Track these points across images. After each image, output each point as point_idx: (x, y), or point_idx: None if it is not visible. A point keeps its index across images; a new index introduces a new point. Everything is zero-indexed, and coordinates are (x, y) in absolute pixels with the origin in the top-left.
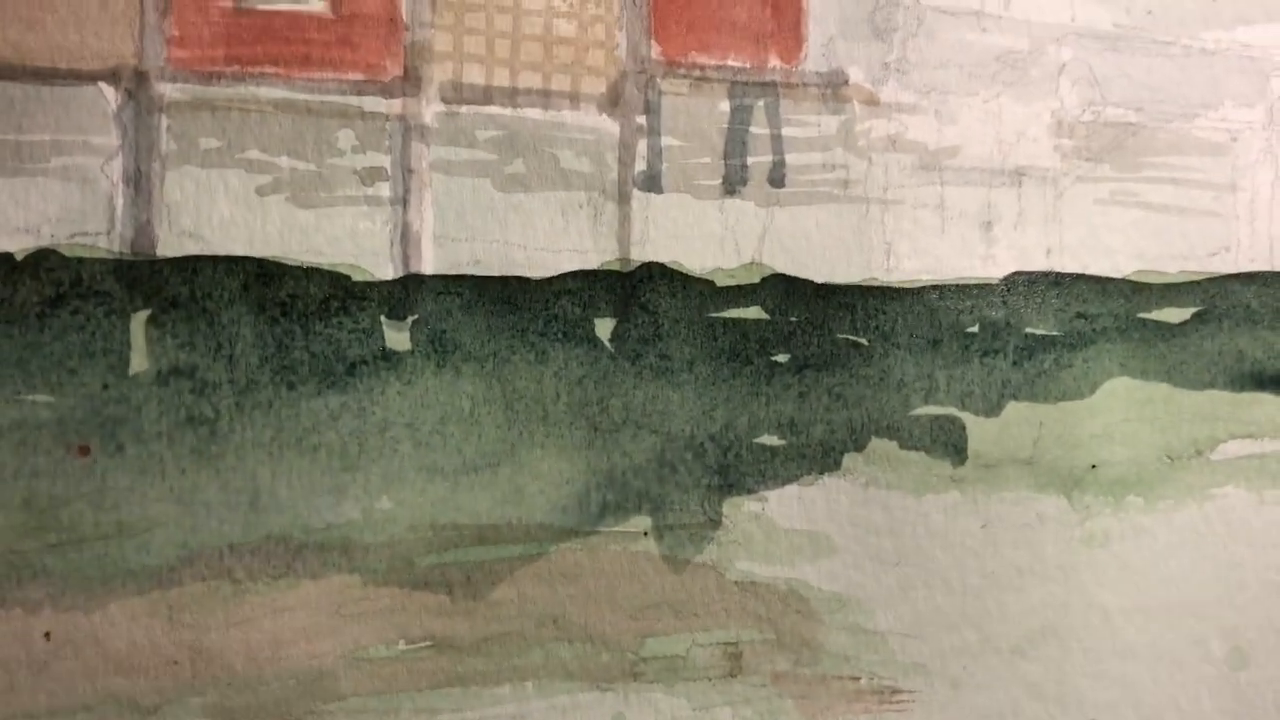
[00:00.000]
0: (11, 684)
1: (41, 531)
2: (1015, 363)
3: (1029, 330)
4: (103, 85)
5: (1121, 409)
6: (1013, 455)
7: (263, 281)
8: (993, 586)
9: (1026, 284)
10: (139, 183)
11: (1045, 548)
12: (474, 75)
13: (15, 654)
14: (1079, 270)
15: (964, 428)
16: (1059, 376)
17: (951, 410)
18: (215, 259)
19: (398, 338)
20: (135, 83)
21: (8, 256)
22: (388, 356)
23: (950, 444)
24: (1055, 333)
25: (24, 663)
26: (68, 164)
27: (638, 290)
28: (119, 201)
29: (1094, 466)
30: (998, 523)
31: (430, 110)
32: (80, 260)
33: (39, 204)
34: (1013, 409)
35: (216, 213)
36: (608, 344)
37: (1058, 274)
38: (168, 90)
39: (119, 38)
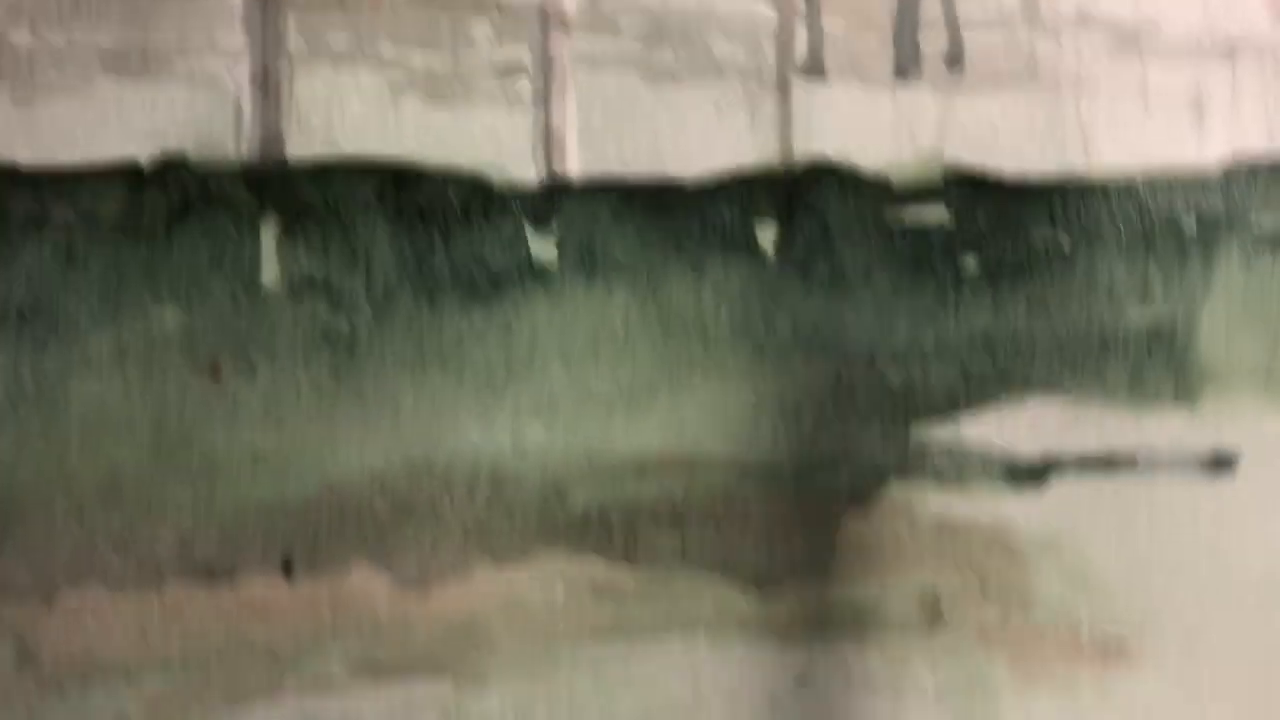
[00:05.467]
0: (142, 627)
1: (171, 459)
2: (1242, 262)
3: (1257, 224)
4: None
5: None
6: (1248, 367)
7: (398, 186)
8: (1234, 522)
9: (1249, 171)
10: (266, 84)
11: None
12: None
13: (145, 596)
14: None
15: (1189, 335)
16: None
17: (1170, 315)
18: (348, 164)
19: (544, 248)
20: None
21: (134, 166)
22: (534, 269)
23: (1173, 356)
24: None
25: (154, 605)
26: (193, 67)
27: (802, 191)
28: (246, 105)
29: None
30: (1235, 446)
31: None
32: (208, 168)
33: (164, 109)
34: (1244, 314)
35: (348, 114)
36: (771, 254)
37: None
38: None
39: None
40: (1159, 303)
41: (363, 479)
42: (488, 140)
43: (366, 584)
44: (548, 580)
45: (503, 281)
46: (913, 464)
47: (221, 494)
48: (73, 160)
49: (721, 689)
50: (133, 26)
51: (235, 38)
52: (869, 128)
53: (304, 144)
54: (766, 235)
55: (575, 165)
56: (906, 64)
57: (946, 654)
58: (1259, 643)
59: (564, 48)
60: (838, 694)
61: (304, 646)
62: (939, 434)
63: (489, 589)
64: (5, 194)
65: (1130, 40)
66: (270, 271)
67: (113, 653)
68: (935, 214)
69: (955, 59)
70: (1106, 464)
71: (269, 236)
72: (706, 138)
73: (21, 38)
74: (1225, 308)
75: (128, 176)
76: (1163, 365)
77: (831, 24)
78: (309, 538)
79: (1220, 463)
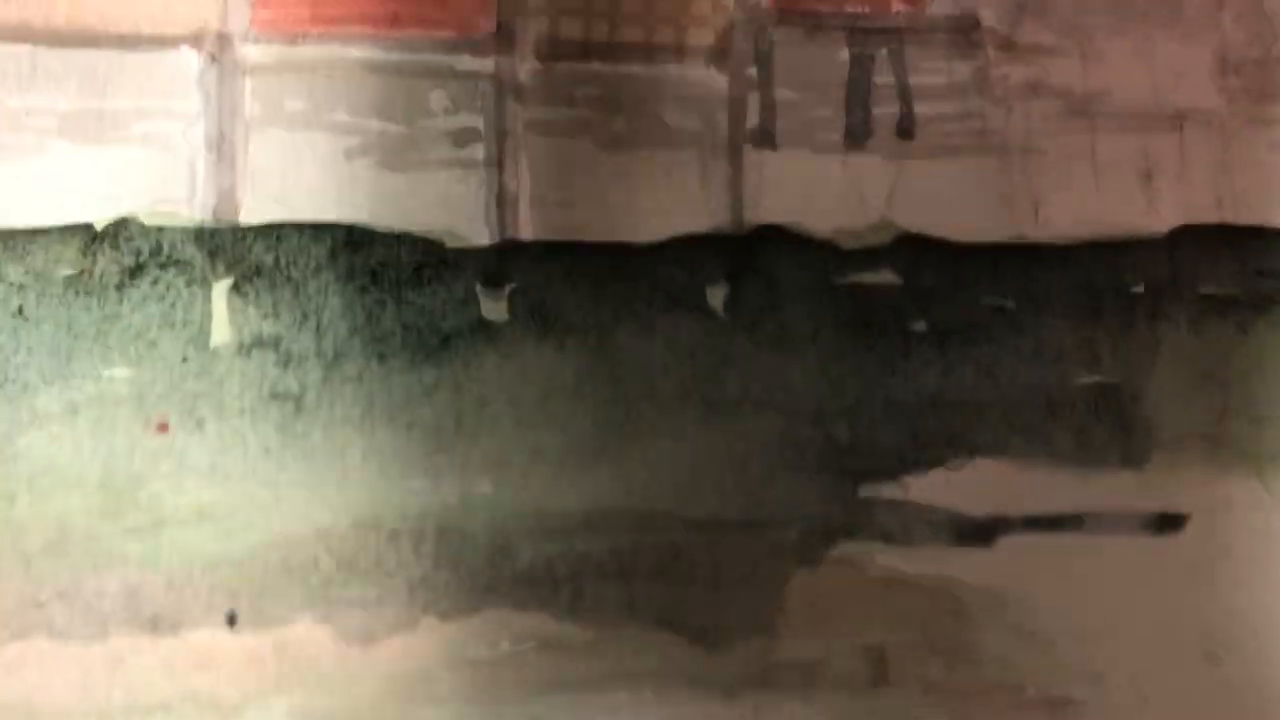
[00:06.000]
0: (85, 680)
1: (119, 514)
2: (1190, 327)
3: (1203, 290)
4: (185, 49)
5: None
6: (1194, 431)
7: (351, 248)
8: (1178, 581)
9: (1196, 239)
10: (221, 148)
11: (1238, 536)
12: (571, 29)
13: (90, 648)
14: (1257, 223)
15: (1135, 398)
16: (1243, 342)
17: (1117, 382)
18: (301, 225)
19: (495, 308)
20: (219, 46)
21: (88, 226)
22: (485, 328)
23: (1120, 419)
24: (1234, 292)
25: (99, 657)
26: (149, 131)
27: (752, 253)
28: (200, 168)
29: None
30: (1179, 508)
31: (525, 68)
32: (160, 229)
33: (119, 172)
34: (1190, 379)
35: (303, 178)
36: (721, 313)
37: (1232, 227)
38: (252, 52)
39: (203, 1)
40: (1106, 366)
41: (309, 534)
42: (441, 204)
43: (311, 637)
44: (494, 636)
45: (453, 340)
46: (860, 522)
47: (167, 547)
48: (27, 222)
49: None
50: (90, 92)
51: (191, 102)
52: (819, 193)
53: (257, 207)
54: (716, 296)
55: (528, 229)
56: (858, 132)
57: (892, 710)
58: (1206, 701)
59: (518, 115)
60: None
61: (248, 698)
62: (886, 493)
63: (434, 644)
64: None
65: (1080, 110)
66: (220, 330)
67: (55, 703)
68: (884, 277)
69: (906, 128)
70: (1053, 524)
71: (220, 296)
72: (659, 203)
73: None
74: (1173, 371)
75: (82, 237)
76: (1110, 428)
77: (784, 94)
78: (254, 591)
79: (1167, 524)
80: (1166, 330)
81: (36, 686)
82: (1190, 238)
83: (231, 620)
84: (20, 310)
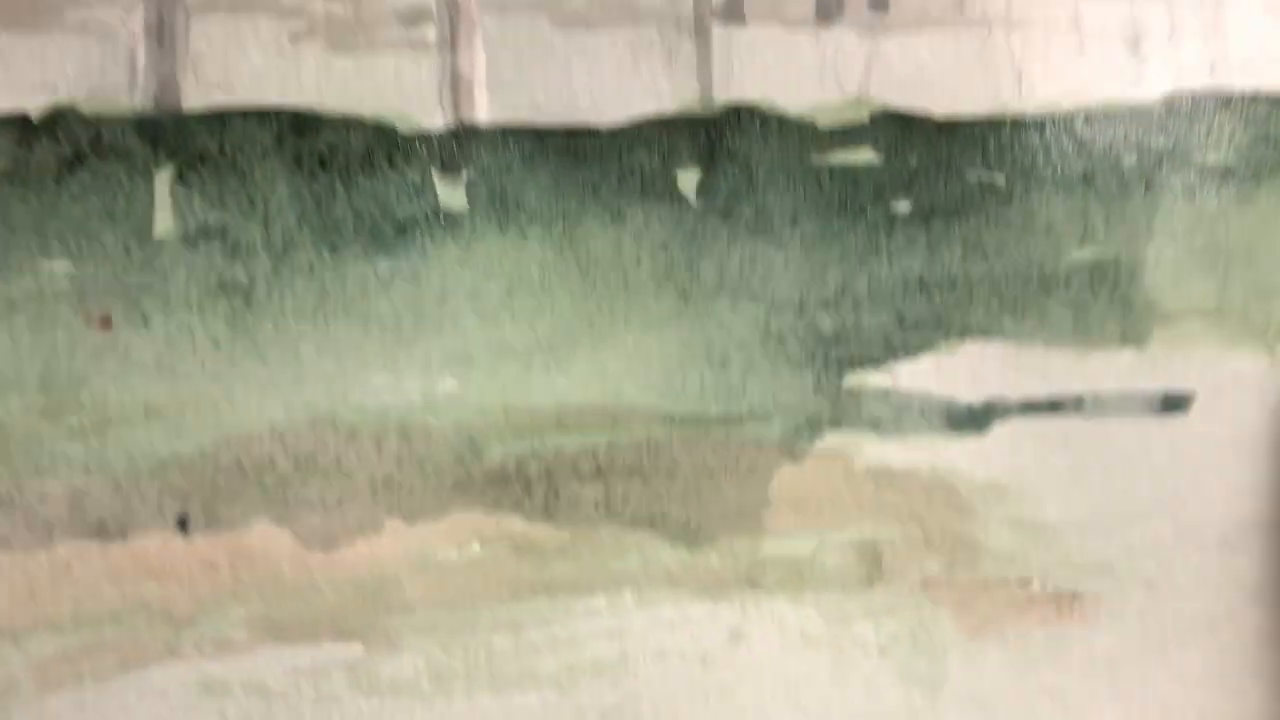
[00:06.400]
0: (31, 588)
1: (61, 414)
2: (1186, 197)
3: (1199, 159)
4: None
5: None
6: (1196, 305)
7: (298, 133)
8: (1188, 465)
9: (1190, 104)
10: (162, 33)
11: (1248, 414)
12: None
13: (34, 556)
14: (1253, 88)
15: (1132, 273)
16: (1243, 211)
17: (1113, 253)
18: (245, 111)
19: (452, 195)
20: None
21: (23, 117)
22: (442, 216)
23: (1117, 294)
24: (1231, 161)
25: (44, 565)
26: (85, 17)
27: (724, 135)
28: (140, 54)
29: None
30: (1185, 386)
31: None
32: (100, 117)
33: (56, 60)
34: (1190, 250)
35: (246, 62)
36: (693, 199)
37: (1227, 92)
38: None
39: None
40: (1101, 241)
41: (263, 432)
42: (392, 88)
43: (268, 542)
44: (463, 538)
45: (410, 229)
46: (847, 412)
47: (113, 449)
48: None
49: (650, 649)
50: None
51: None
52: (791, 69)
53: (200, 94)
54: (688, 180)
55: (484, 113)
56: (830, 5)
57: (888, 609)
58: (1220, 587)
59: None
60: (774, 651)
61: (203, 607)
62: (874, 381)
63: (400, 547)
64: None
65: None
66: (164, 221)
67: (0, 615)
68: (863, 155)
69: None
70: (1052, 408)
71: (163, 185)
72: (622, 84)
73: None
74: (1171, 244)
75: (17, 127)
76: (1108, 305)
77: None
78: (206, 494)
79: (1173, 404)
80: (1162, 200)
81: None
82: (1183, 104)
83: (183, 524)
84: None
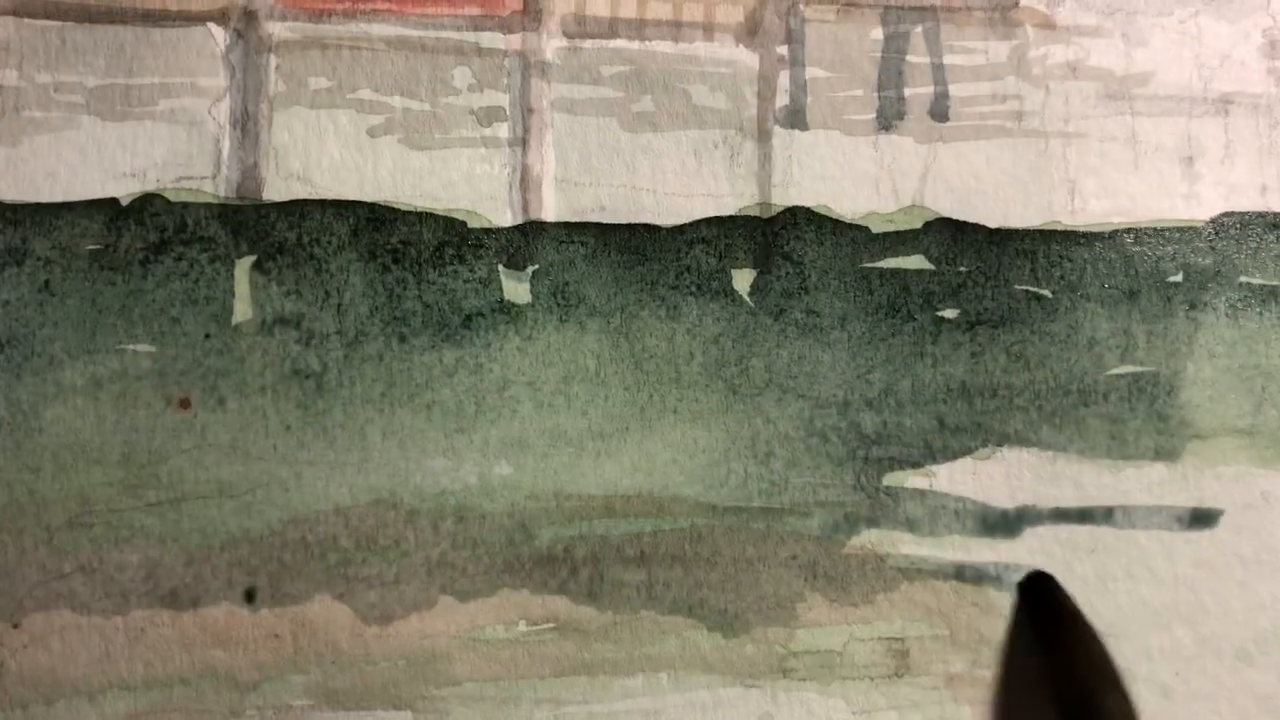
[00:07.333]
0: (107, 651)
1: (140, 489)
2: (1229, 316)
3: (1244, 279)
4: (211, 26)
5: None
6: (1230, 424)
7: (374, 227)
8: (1210, 578)
9: (1239, 226)
10: (246, 125)
11: (1274, 532)
12: (598, 7)
13: (111, 621)
14: None
15: (1170, 389)
16: None
17: (1153, 369)
18: (324, 203)
19: (517, 289)
20: (244, 22)
21: (113, 202)
22: (506, 309)
23: (1153, 410)
24: (1275, 281)
25: (120, 630)
26: (175, 107)
27: (780, 237)
28: (225, 144)
29: None
30: (1214, 503)
31: (551, 45)
32: (185, 205)
33: (145, 148)
34: (1229, 369)
35: (326, 155)
36: (747, 298)
37: (1276, 214)
38: (277, 29)
39: None
40: (1142, 356)
41: (328, 512)
42: (464, 183)
43: (328, 615)
44: (511, 617)
45: (474, 321)
46: (884, 511)
47: (188, 523)
48: (54, 197)
49: None
50: (117, 67)
51: (217, 79)
52: (849, 175)
53: (281, 184)
54: (743, 280)
55: (551, 210)
56: (890, 114)
57: (913, 703)
58: (1238, 701)
59: (544, 94)
60: None
61: (266, 674)
62: (911, 481)
63: (451, 624)
64: None
65: (1120, 92)
66: (243, 307)
67: (77, 674)
68: (914, 261)
69: (941, 109)
70: (1082, 517)
71: (243, 273)
72: (685, 184)
73: (9, 78)
74: (1210, 363)
75: (107, 212)
76: (1144, 420)
77: (815, 73)
78: (273, 569)
79: (1201, 519)
80: (1205, 319)
81: (60, 657)
82: (1233, 225)
83: (250, 597)
84: (47, 285)
